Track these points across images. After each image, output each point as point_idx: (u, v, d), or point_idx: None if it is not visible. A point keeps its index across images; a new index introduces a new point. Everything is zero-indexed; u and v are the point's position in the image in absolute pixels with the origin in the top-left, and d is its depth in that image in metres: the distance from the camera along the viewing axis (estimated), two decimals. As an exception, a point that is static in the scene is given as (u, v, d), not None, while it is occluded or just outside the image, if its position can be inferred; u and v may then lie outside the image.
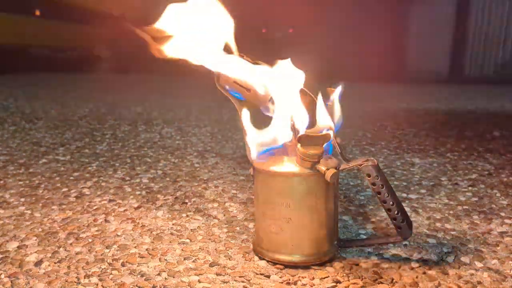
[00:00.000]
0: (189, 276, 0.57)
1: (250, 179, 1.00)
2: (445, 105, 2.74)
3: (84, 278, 0.57)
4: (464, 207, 0.85)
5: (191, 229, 0.73)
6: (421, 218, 0.79)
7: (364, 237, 0.72)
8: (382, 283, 0.56)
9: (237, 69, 0.61)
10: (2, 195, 0.89)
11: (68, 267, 0.60)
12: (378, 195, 0.58)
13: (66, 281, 0.56)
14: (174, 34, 0.60)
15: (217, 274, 0.58)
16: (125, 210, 0.82)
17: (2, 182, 0.98)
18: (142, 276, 0.57)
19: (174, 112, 2.19)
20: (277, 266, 0.60)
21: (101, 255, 0.63)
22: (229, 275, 0.58)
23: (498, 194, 0.93)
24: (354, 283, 0.56)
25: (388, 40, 4.94)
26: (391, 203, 0.58)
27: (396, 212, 0.58)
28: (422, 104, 2.77)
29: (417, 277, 0.57)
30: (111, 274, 0.58)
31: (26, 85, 3.61)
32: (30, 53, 5.80)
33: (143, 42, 0.59)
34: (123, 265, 0.60)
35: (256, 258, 0.63)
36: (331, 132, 0.58)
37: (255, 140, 0.62)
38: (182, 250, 0.65)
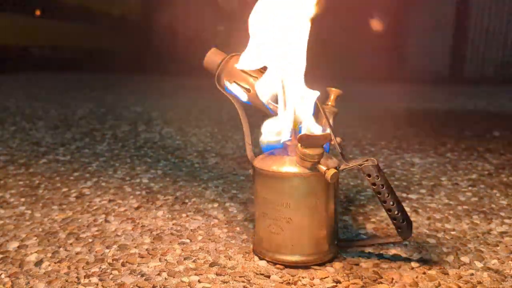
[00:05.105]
0: (189, 276, 0.57)
1: (250, 179, 1.00)
2: (445, 105, 2.74)
3: (84, 278, 0.57)
4: (464, 207, 0.85)
5: (191, 229, 0.73)
6: (421, 218, 0.79)
7: (364, 237, 0.72)
8: (382, 283, 0.56)
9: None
10: (2, 195, 0.89)
11: (68, 267, 0.60)
12: (378, 195, 0.58)
13: (66, 281, 0.56)
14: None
15: (217, 274, 0.58)
16: (125, 210, 0.82)
17: (2, 182, 0.98)
18: (142, 276, 0.57)
19: (174, 112, 2.19)
20: (277, 266, 0.60)
21: (101, 255, 0.63)
22: (229, 275, 0.58)
23: (498, 194, 0.93)
24: (354, 283, 0.56)
25: (388, 40, 4.94)
26: (391, 203, 0.58)
27: (396, 212, 0.58)
28: (422, 104, 2.77)
29: (417, 277, 0.57)
30: (111, 274, 0.58)
31: (26, 85, 3.61)
32: (30, 53, 5.79)
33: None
34: (123, 265, 0.60)
35: (256, 258, 0.63)
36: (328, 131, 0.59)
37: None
38: (182, 250, 0.65)
